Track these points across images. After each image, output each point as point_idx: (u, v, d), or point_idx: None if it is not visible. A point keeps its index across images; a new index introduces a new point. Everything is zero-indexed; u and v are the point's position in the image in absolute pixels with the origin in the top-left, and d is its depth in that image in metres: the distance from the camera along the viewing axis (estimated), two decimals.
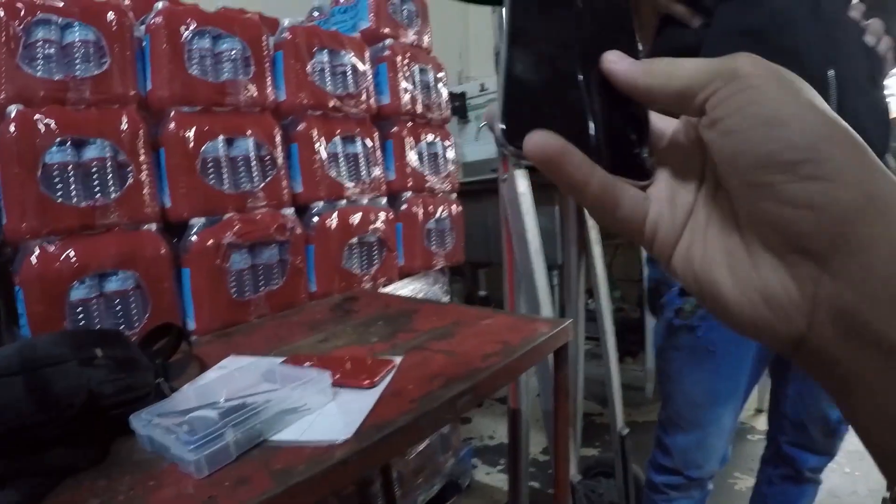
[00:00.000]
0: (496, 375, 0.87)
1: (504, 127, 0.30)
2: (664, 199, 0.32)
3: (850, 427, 0.92)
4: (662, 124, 0.34)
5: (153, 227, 1.25)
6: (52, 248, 1.10)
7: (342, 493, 1.58)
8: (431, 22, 2.00)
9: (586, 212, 1.62)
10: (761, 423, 2.35)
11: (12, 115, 1.08)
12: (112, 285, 1.17)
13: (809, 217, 0.24)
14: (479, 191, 2.45)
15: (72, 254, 1.11)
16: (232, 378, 0.90)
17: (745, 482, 2.00)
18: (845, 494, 1.93)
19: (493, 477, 2.19)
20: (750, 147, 0.26)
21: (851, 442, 2.19)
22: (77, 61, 1.16)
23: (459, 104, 3.41)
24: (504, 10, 0.32)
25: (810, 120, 0.25)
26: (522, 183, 1.33)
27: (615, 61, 0.32)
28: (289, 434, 0.75)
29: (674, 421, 1.18)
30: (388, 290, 1.65)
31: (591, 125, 0.32)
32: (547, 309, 1.32)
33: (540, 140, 0.29)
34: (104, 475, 0.69)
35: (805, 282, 0.25)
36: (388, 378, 0.88)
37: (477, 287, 3.34)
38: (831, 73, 0.89)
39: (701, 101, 0.28)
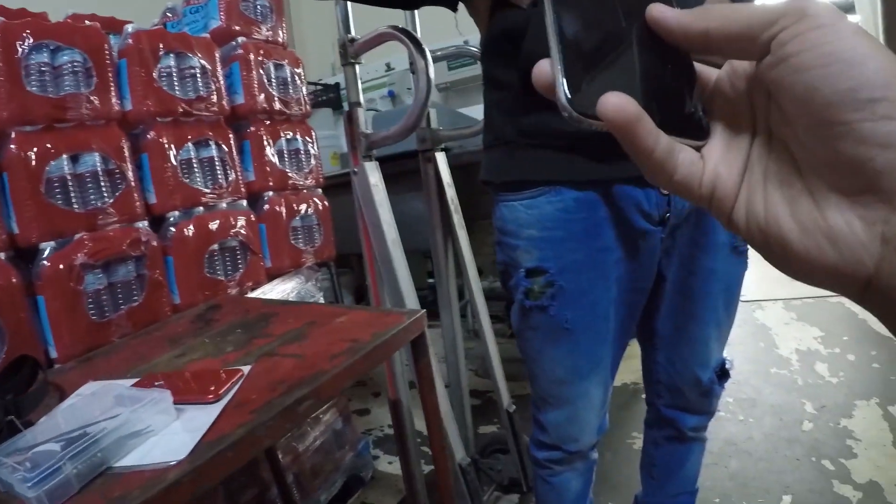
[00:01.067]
0: (339, 377, 0.87)
1: (567, 93, 0.29)
2: (717, 157, 0.32)
3: (724, 386, 0.94)
4: (702, 80, 0.34)
5: (1, 255, 1.20)
6: None
7: (240, 500, 1.55)
8: (305, 13, 1.96)
9: (447, 195, 1.64)
10: None
11: None
12: None
13: (884, 156, 0.24)
14: (348, 183, 2.43)
15: None
16: (84, 406, 0.87)
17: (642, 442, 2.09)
18: (741, 441, 2.03)
19: (397, 466, 2.19)
20: (826, 83, 0.25)
21: (743, 391, 2.34)
22: None
23: (335, 95, 3.39)
24: None
25: (883, 60, 0.25)
26: (374, 175, 1.33)
27: (663, 10, 0.31)
28: (132, 459, 0.74)
29: (544, 398, 1.19)
30: (257, 293, 1.62)
31: (646, 85, 0.31)
32: (411, 299, 1.33)
33: (618, 103, 0.28)
34: None
35: (874, 223, 0.25)
36: (234, 389, 0.87)
37: (363, 278, 3.33)
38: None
39: (766, 39, 0.27)
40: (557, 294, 1.05)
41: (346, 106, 3.33)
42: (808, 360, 2.62)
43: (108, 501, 0.64)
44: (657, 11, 0.31)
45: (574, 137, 0.98)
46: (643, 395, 2.39)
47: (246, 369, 0.93)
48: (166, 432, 0.79)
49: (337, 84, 3.42)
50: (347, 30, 1.40)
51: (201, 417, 0.80)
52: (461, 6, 1.15)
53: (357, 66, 1.42)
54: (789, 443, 1.99)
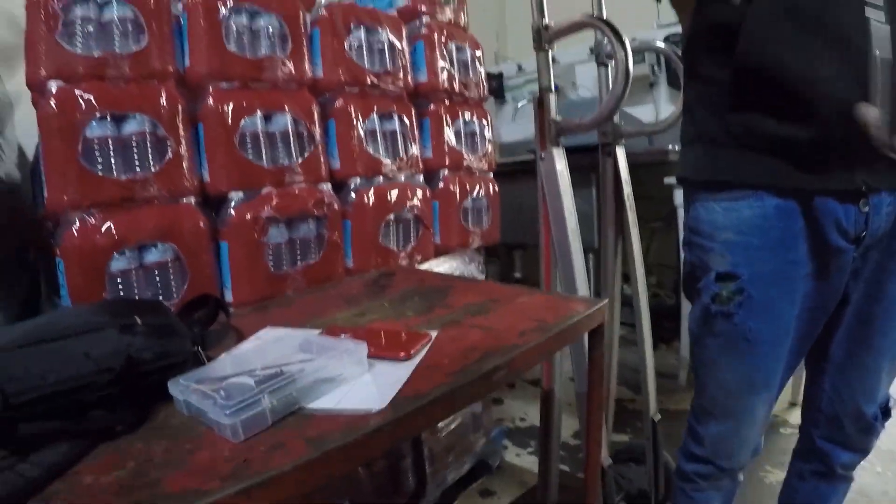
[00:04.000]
0: (531, 352, 0.87)
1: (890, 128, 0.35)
2: None
3: (884, 425, 0.92)
4: None
5: (192, 200, 1.27)
6: (92, 221, 1.11)
7: (375, 467, 1.59)
8: (468, 1, 1.99)
9: (625, 191, 1.60)
10: (794, 416, 2.31)
11: (53, 90, 1.09)
12: (151, 257, 1.18)
13: None
14: (515, 171, 2.44)
15: (112, 226, 1.12)
16: (268, 348, 0.92)
17: (776, 475, 1.96)
18: (876, 494, 1.88)
19: (524, 459, 2.19)
20: None
21: (884, 441, 2.14)
22: (116, 38, 1.17)
23: (496, 84, 3.40)
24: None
25: None
26: (560, 162, 1.32)
27: None
28: (324, 403, 0.76)
29: (707, 409, 1.16)
30: (424, 267, 1.65)
31: None
32: (583, 290, 1.30)
33: None
34: (141, 439, 0.70)
35: None
36: (424, 351, 0.88)
37: (512, 269, 3.33)
38: (876, 52, 0.87)
39: None
40: (745, 302, 1.02)
41: (508, 96, 3.36)
42: None
43: (307, 439, 0.66)
44: None
45: (782, 142, 0.94)
46: (781, 429, 2.28)
47: (433, 334, 0.94)
48: (358, 382, 0.81)
49: (500, 74, 3.43)
50: (542, 14, 1.39)
51: (394, 373, 0.82)
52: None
53: (549, 53, 1.40)
54: None
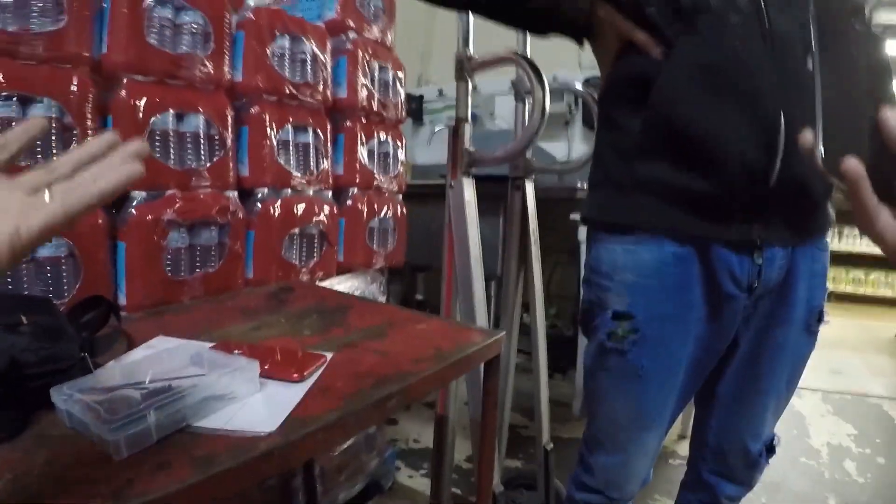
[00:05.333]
0: (427, 381, 0.87)
1: (823, 152, 0.45)
2: None
3: (769, 459, 0.97)
4: None
5: None
6: None
7: (264, 484, 1.55)
8: (398, 22, 2.00)
9: (531, 225, 1.64)
10: (683, 448, 2.41)
11: None
12: (44, 251, 1.12)
13: None
14: (426, 194, 2.45)
15: None
16: (158, 359, 0.88)
17: None
18: None
19: (416, 481, 2.18)
20: None
21: (769, 475, 2.27)
22: (34, 15, 1.10)
23: (416, 106, 3.42)
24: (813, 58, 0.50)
25: None
26: (469, 191, 1.34)
27: (889, 119, 0.45)
28: (213, 422, 0.73)
29: (598, 440, 1.18)
30: (325, 284, 1.63)
31: (871, 160, 0.44)
32: (482, 318, 1.33)
33: (854, 165, 0.44)
34: (19, 448, 0.66)
35: None
36: (318, 373, 0.87)
37: (414, 290, 3.33)
38: (782, 118, 0.93)
39: None
40: (639, 341, 1.05)
41: (426, 119, 3.38)
42: (838, 455, 2.58)
43: (195, 460, 0.64)
44: (886, 118, 0.45)
45: (685, 192, 0.98)
46: (670, 460, 2.38)
47: (329, 355, 0.93)
48: (248, 402, 0.79)
49: (421, 96, 3.46)
50: (466, 45, 1.41)
51: (285, 394, 0.80)
52: (587, 43, 1.16)
53: (469, 84, 1.43)
54: None
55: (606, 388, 1.13)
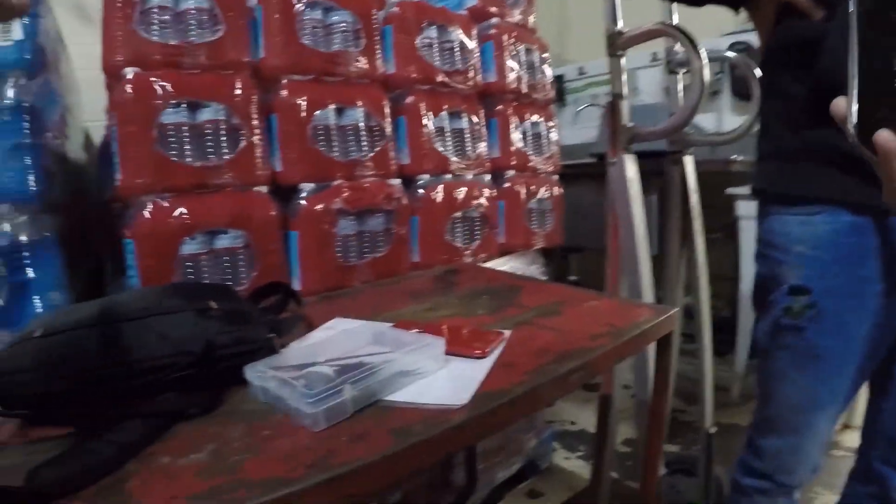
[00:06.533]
0: (606, 356, 0.88)
1: (856, 123, 0.42)
2: None
3: None
4: None
5: (264, 189, 1.30)
6: (165, 205, 1.15)
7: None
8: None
9: (692, 202, 1.59)
10: (848, 439, 2.25)
11: (129, 77, 1.13)
12: (222, 242, 1.22)
13: None
14: (574, 175, 2.42)
15: (184, 210, 1.16)
16: (340, 339, 0.93)
17: (826, 498, 1.92)
18: None
19: (572, 462, 2.18)
20: None
21: None
22: (192, 28, 1.21)
23: (556, 87, 3.38)
24: (854, 20, 0.42)
25: None
26: (631, 168, 1.32)
27: None
28: (402, 396, 0.76)
29: (770, 423, 1.14)
30: (488, 266, 1.66)
31: None
32: (649, 297, 1.30)
33: (887, 138, 0.40)
34: (216, 423, 0.71)
35: None
36: (499, 350, 0.89)
37: (567, 272, 3.31)
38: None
39: None
40: (817, 317, 1.01)
41: (568, 99, 3.34)
42: None
43: (391, 431, 0.66)
44: None
45: (858, 159, 0.92)
46: (833, 451, 2.22)
47: (507, 333, 0.95)
48: (435, 377, 0.82)
49: (560, 76, 3.41)
50: (615, 22, 1.38)
51: (470, 370, 0.83)
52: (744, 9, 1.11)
53: (622, 59, 1.40)
54: None
55: (782, 368, 1.09)
